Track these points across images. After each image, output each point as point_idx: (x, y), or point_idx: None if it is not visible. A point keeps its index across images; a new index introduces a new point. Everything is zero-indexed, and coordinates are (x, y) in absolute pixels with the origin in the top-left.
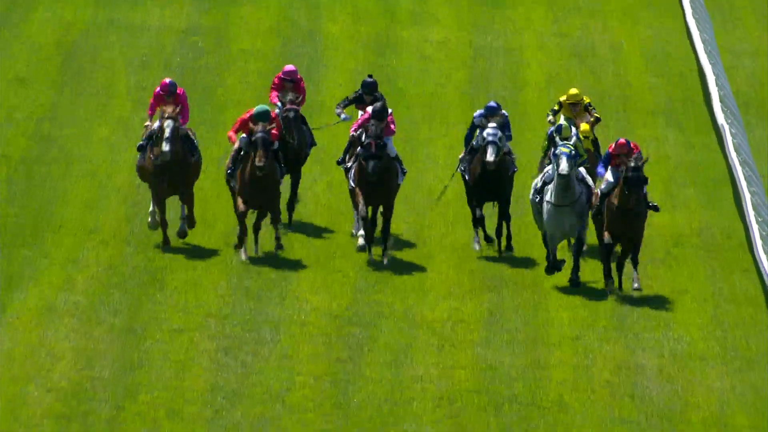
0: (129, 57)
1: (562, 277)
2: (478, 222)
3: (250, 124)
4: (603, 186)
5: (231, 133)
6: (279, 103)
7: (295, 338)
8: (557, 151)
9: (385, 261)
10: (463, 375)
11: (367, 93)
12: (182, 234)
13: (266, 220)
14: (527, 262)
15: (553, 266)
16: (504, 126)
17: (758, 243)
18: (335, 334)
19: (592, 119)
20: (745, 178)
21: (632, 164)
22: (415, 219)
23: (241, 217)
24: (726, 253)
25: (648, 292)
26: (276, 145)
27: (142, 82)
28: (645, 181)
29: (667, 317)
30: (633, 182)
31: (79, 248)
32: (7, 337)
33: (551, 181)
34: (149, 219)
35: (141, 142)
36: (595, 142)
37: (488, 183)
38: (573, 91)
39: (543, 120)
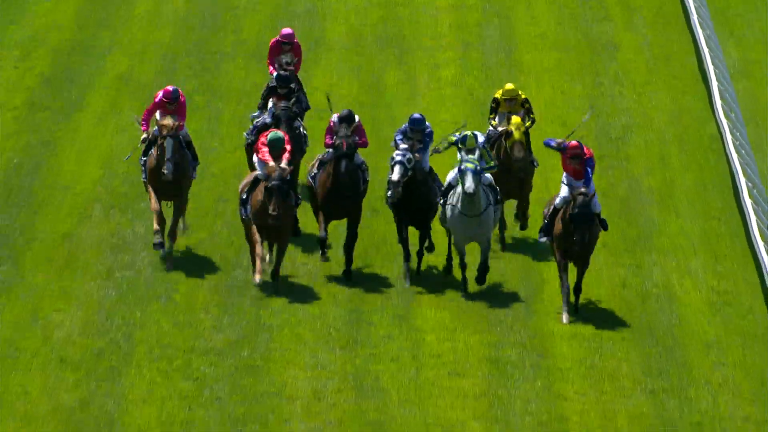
0: None
1: None
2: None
3: (267, 163)
4: (557, 201)
5: (268, 158)
6: (275, 74)
7: None
8: (462, 167)
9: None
10: None
11: (282, 86)
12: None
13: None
14: None
15: (460, 266)
16: (425, 139)
17: None
18: None
19: (528, 123)
20: None
21: (580, 200)
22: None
23: (258, 245)
24: None
25: None
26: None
27: None
28: (592, 218)
29: None
30: (580, 220)
31: None
32: None
33: (457, 183)
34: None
35: (143, 158)
36: (526, 133)
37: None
38: (509, 86)
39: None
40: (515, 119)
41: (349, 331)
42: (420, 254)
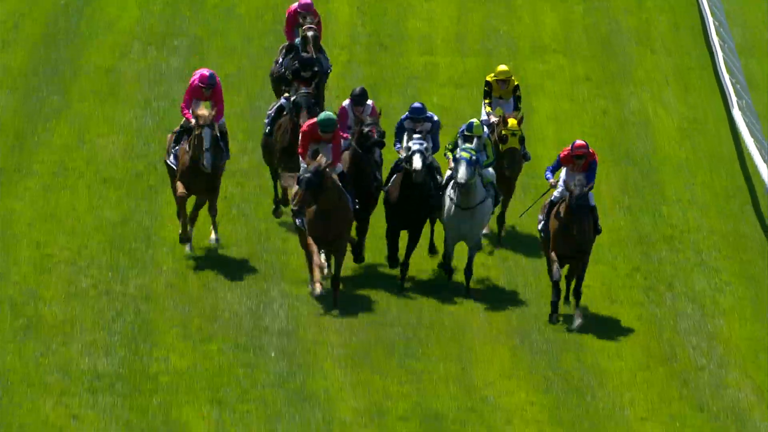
0: None
1: None
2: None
3: (308, 150)
4: (553, 196)
5: (301, 151)
6: (297, 39)
7: None
8: (457, 155)
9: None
10: None
11: (305, 69)
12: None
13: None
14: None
15: (447, 269)
16: (433, 130)
17: None
18: None
19: (519, 115)
20: None
21: (577, 192)
22: None
23: (315, 254)
24: None
25: None
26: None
27: None
28: (591, 209)
29: None
30: (579, 210)
31: None
32: None
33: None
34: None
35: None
36: (521, 139)
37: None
38: (502, 67)
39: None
40: (512, 122)
41: None
42: (403, 263)
